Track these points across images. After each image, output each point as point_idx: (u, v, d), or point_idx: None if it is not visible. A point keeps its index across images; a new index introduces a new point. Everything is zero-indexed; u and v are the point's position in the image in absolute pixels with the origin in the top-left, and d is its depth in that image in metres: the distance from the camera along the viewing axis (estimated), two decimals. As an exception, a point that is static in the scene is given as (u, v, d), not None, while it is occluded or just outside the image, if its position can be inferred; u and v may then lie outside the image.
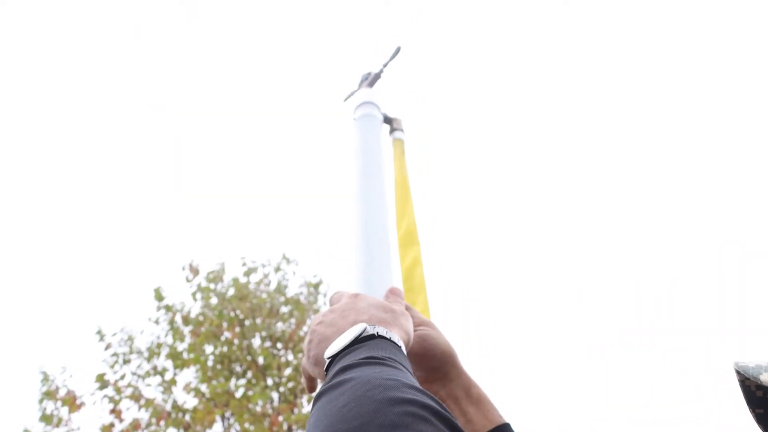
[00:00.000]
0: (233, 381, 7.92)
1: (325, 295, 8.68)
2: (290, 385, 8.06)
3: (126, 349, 7.94)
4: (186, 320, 8.16)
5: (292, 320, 8.49)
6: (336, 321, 0.72)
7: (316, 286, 8.85)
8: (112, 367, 7.79)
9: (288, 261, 9.07)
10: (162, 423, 7.27)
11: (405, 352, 0.67)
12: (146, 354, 7.93)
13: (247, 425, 7.28)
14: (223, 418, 7.64)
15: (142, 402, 7.43)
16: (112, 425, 7.26)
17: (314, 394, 0.59)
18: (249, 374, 8.06)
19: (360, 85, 1.33)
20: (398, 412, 0.46)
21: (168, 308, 8.24)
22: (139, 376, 7.79)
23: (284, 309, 8.59)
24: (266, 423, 7.27)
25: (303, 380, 0.79)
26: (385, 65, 1.31)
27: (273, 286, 8.81)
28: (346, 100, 1.40)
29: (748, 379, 0.62)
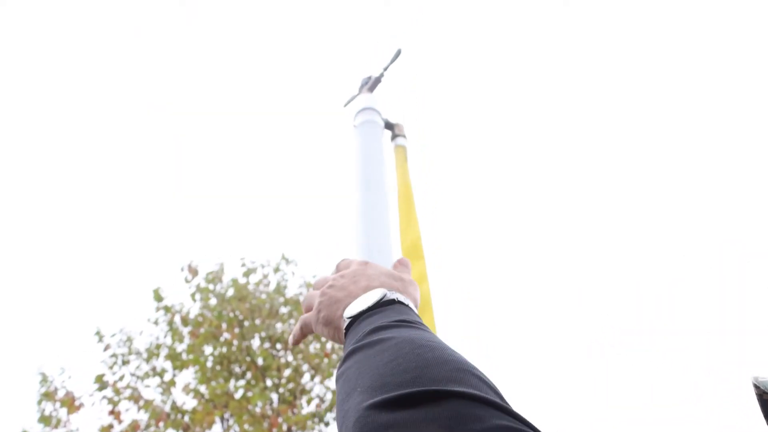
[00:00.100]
0: (232, 382, 7.90)
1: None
2: (290, 386, 8.04)
3: (125, 350, 7.91)
4: (185, 321, 8.13)
5: (292, 321, 8.46)
6: (347, 285, 0.74)
7: (316, 286, 8.80)
8: (111, 368, 7.76)
9: (287, 261, 9.04)
10: (161, 424, 7.24)
11: None
12: (145, 355, 7.90)
13: (246, 426, 7.25)
14: (222, 419, 7.62)
15: (141, 403, 7.40)
16: (111, 426, 7.23)
17: (346, 352, 0.60)
18: (248, 375, 8.04)
19: (360, 90, 1.30)
20: (448, 369, 0.48)
21: (167, 309, 8.21)
22: (138, 377, 7.77)
23: (284, 310, 8.57)
24: (266, 424, 7.25)
25: (294, 331, 0.81)
26: (385, 69, 1.28)
27: (272, 287, 8.79)
28: (346, 105, 1.37)
29: (766, 393, 0.62)
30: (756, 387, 0.63)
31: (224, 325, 8.12)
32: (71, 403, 7.30)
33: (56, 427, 7.25)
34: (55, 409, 7.34)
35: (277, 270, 8.95)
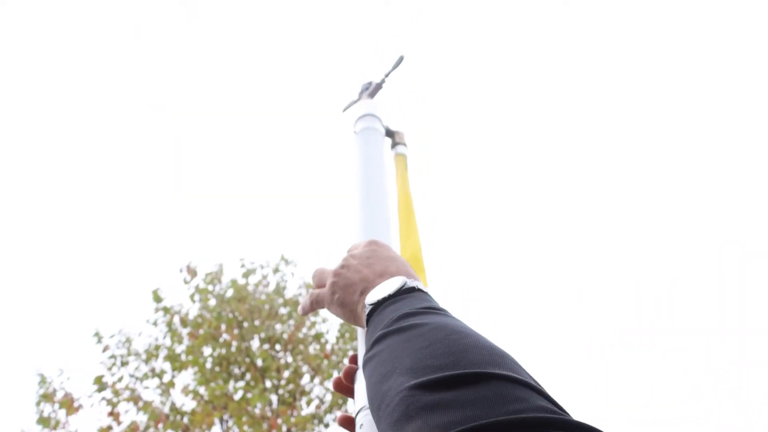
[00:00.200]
0: (232, 383, 7.88)
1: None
2: (289, 387, 8.02)
3: (124, 351, 7.89)
4: (184, 322, 8.11)
5: (291, 322, 8.45)
6: (360, 268, 0.76)
7: (315, 287, 8.78)
8: (109, 369, 7.74)
9: (287, 262, 9.02)
10: (160, 425, 7.22)
11: None
12: (144, 356, 7.88)
13: (245, 428, 7.23)
14: (221, 420, 7.60)
15: (140, 404, 7.38)
16: (110, 428, 7.21)
17: (375, 336, 0.61)
18: (248, 376, 8.02)
19: (360, 95, 1.27)
20: (486, 353, 0.49)
21: (166, 310, 8.19)
22: (137, 378, 7.74)
23: (283, 310, 8.55)
24: (265, 425, 7.23)
25: (304, 303, 0.84)
26: (387, 75, 1.25)
27: (272, 288, 8.77)
28: (345, 110, 1.34)
29: None
30: None
31: (223, 326, 8.10)
32: (70, 405, 7.28)
33: (55, 428, 7.22)
34: (53, 411, 7.31)
35: (276, 271, 8.93)
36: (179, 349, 7.97)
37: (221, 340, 8.08)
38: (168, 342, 8.04)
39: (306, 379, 8.16)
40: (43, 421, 7.21)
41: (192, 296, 8.37)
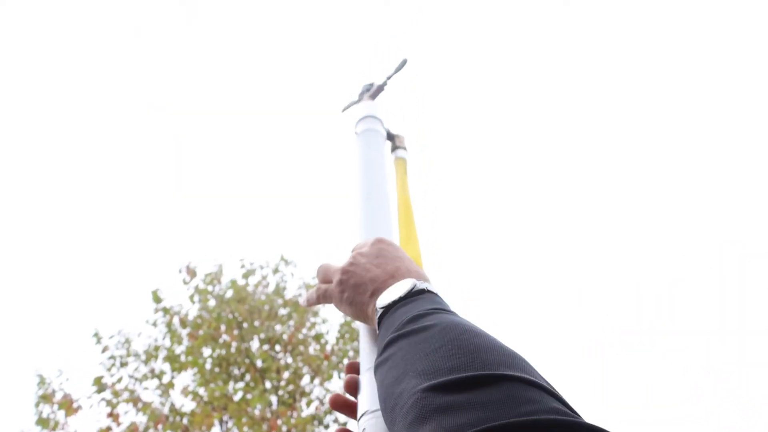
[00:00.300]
0: (231, 384, 7.87)
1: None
2: (289, 388, 8.00)
3: (123, 352, 7.87)
4: (184, 323, 8.09)
5: (291, 322, 8.43)
6: (370, 267, 0.76)
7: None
8: (109, 370, 7.72)
9: (286, 262, 9.00)
10: (160, 426, 7.20)
11: None
12: (144, 357, 7.86)
13: (245, 429, 7.21)
14: (221, 421, 7.59)
15: (140, 405, 7.35)
16: (109, 429, 7.18)
17: (386, 340, 0.61)
18: (247, 377, 8.00)
19: (361, 96, 1.26)
20: (498, 354, 0.49)
21: (166, 310, 8.17)
22: (136, 379, 7.72)
23: (283, 311, 8.53)
24: (265, 427, 7.21)
25: (309, 296, 0.84)
26: (389, 78, 1.23)
27: (271, 288, 8.75)
28: (344, 110, 1.33)
29: None
30: None
31: (223, 327, 8.08)
32: (69, 406, 7.26)
33: (54, 429, 7.20)
34: (52, 412, 7.29)
35: (276, 271, 8.91)
36: (179, 349, 7.95)
37: (221, 340, 8.06)
38: (167, 343, 8.02)
39: (306, 380, 8.15)
40: (42, 422, 7.19)
41: (191, 297, 8.36)
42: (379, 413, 0.65)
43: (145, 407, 7.27)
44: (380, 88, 1.24)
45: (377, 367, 0.60)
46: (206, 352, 7.99)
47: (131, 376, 7.72)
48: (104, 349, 7.84)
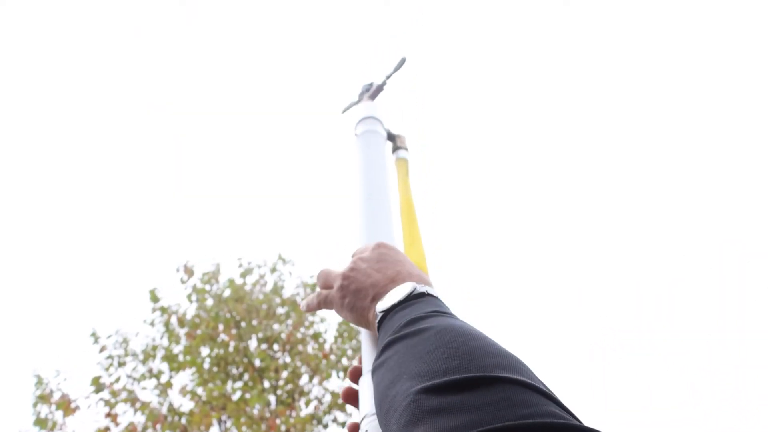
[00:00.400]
0: (230, 384, 7.85)
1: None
2: (288, 387, 7.98)
3: (121, 352, 7.85)
4: (181, 322, 8.07)
5: (289, 321, 8.41)
6: (371, 272, 0.75)
7: (313, 286, 8.77)
8: (107, 369, 7.70)
9: (284, 261, 8.99)
10: (158, 426, 7.18)
11: None
12: (141, 356, 7.84)
13: (244, 429, 7.20)
14: (219, 421, 7.56)
15: (138, 405, 7.33)
16: (107, 429, 7.16)
17: (383, 344, 0.61)
18: (246, 377, 7.99)
19: (360, 97, 1.24)
20: (494, 356, 0.48)
21: (163, 310, 8.15)
22: (134, 378, 7.70)
23: (281, 310, 8.51)
24: (264, 426, 7.19)
25: (309, 301, 0.83)
26: (388, 77, 1.21)
27: (269, 287, 8.73)
28: (344, 111, 1.31)
29: None
30: None
31: (221, 326, 8.06)
32: (67, 406, 7.23)
33: (52, 429, 7.18)
34: (50, 412, 7.27)
35: (274, 270, 8.89)
36: (177, 349, 7.93)
37: (219, 340, 8.04)
38: (165, 342, 8.00)
39: (304, 379, 8.13)
40: (40, 422, 7.17)
41: (189, 296, 8.34)
42: None
43: (144, 407, 7.25)
44: (380, 88, 1.22)
45: (374, 371, 0.60)
46: (204, 351, 7.97)
47: (129, 376, 7.71)
48: (102, 349, 7.82)
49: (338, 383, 8.07)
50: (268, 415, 7.45)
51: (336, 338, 8.43)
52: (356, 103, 1.26)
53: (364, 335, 0.78)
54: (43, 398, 7.32)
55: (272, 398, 7.87)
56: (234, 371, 8.03)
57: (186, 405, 7.62)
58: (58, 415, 7.27)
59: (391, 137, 1.18)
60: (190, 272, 8.42)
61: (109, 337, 7.93)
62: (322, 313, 8.60)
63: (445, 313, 0.62)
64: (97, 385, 7.40)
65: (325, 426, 7.71)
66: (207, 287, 8.44)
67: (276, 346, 8.31)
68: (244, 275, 8.68)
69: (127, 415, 7.32)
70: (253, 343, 8.21)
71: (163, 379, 7.76)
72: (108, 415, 7.24)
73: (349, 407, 0.78)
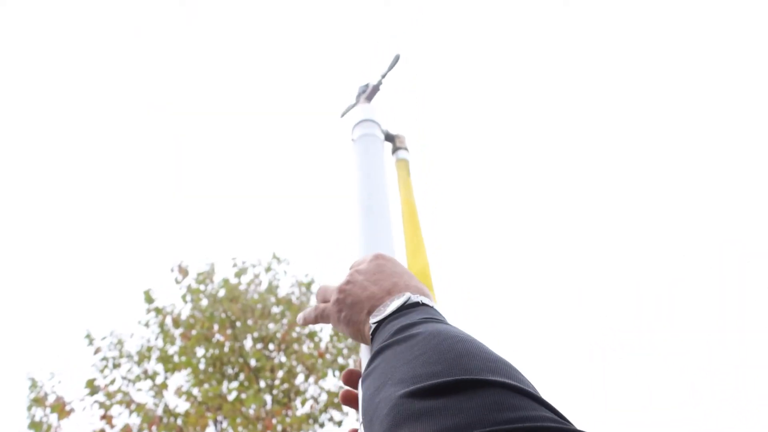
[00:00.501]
0: (225, 384, 7.80)
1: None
2: (284, 387, 7.94)
3: (116, 353, 7.80)
4: (176, 323, 8.02)
5: (284, 321, 8.37)
6: (367, 285, 0.73)
7: (308, 285, 8.74)
8: (101, 371, 7.65)
9: (279, 261, 8.95)
10: (154, 428, 7.13)
11: None
12: (136, 358, 7.79)
13: (240, 429, 7.16)
14: (215, 422, 7.52)
15: (133, 407, 7.28)
16: (102, 431, 7.11)
17: (373, 350, 0.60)
18: (241, 377, 7.94)
19: (357, 99, 1.18)
20: (482, 359, 0.47)
21: (158, 311, 8.10)
22: (129, 380, 7.65)
23: (276, 309, 8.48)
24: (260, 426, 7.15)
25: (306, 315, 0.82)
26: (383, 76, 1.17)
27: (264, 287, 8.69)
28: (343, 115, 1.27)
29: None
30: None
31: (216, 326, 8.02)
32: (62, 409, 7.18)
33: (47, 432, 7.12)
34: (45, 415, 7.22)
35: (268, 269, 8.85)
36: (172, 350, 7.89)
37: (214, 340, 7.99)
38: (160, 343, 7.95)
39: (300, 378, 8.10)
40: (35, 425, 7.12)
41: (184, 296, 8.29)
42: None
43: (139, 408, 7.20)
44: (376, 89, 1.17)
45: (363, 381, 0.58)
46: (199, 351, 7.93)
47: (124, 378, 7.66)
48: (96, 351, 7.77)
49: (334, 382, 8.04)
50: (264, 415, 7.42)
51: (331, 337, 8.39)
52: (353, 105, 1.21)
53: (363, 350, 0.76)
54: (38, 401, 7.26)
55: (268, 398, 7.84)
56: (229, 371, 7.99)
57: (182, 406, 7.59)
58: (53, 418, 7.22)
59: (390, 138, 1.13)
60: (184, 272, 8.37)
61: (104, 338, 7.88)
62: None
63: (435, 319, 0.60)
64: (92, 387, 7.34)
65: (322, 425, 7.68)
66: (202, 287, 8.39)
67: (271, 346, 8.27)
68: (238, 275, 8.63)
69: (122, 416, 7.29)
70: (248, 343, 8.17)
71: (159, 380, 7.71)
72: (103, 417, 7.19)
73: (345, 407, 0.72)
